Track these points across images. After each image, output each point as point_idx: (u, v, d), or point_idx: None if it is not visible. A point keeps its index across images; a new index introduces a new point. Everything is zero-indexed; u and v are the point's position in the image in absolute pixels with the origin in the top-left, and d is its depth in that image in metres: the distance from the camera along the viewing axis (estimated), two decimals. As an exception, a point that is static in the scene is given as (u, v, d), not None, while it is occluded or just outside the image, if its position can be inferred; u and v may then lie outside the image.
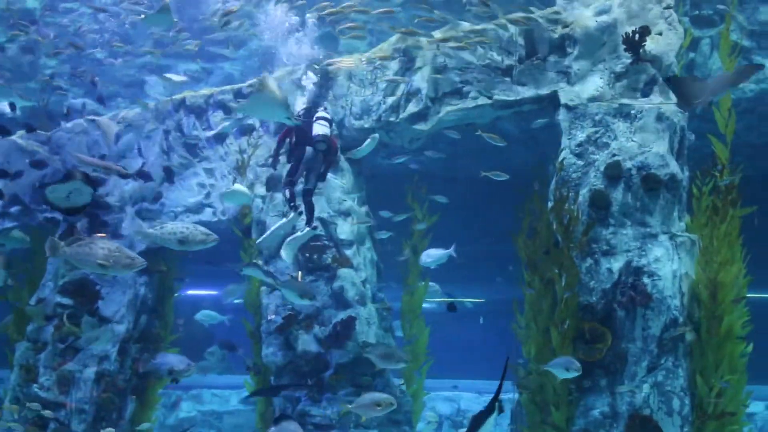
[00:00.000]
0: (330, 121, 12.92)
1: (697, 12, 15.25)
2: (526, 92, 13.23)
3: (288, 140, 12.97)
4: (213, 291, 24.01)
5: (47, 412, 13.38)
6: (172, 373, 10.88)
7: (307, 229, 12.95)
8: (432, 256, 13.62)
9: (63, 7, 18.49)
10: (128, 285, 14.25)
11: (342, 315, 13.31)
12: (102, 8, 17.27)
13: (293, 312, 13.39)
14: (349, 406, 10.80)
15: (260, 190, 14.08)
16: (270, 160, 13.49)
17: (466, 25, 13.69)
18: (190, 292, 18.81)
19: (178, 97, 15.17)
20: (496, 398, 7.75)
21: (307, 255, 13.52)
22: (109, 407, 13.91)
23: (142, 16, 13.03)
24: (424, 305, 15.43)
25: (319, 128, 12.71)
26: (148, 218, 14.51)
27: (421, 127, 13.68)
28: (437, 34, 13.59)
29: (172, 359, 11.03)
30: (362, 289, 13.59)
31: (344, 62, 14.10)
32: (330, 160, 12.98)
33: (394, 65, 13.91)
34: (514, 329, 12.85)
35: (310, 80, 14.08)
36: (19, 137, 14.99)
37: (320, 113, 12.94)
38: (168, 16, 12.20)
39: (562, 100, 12.81)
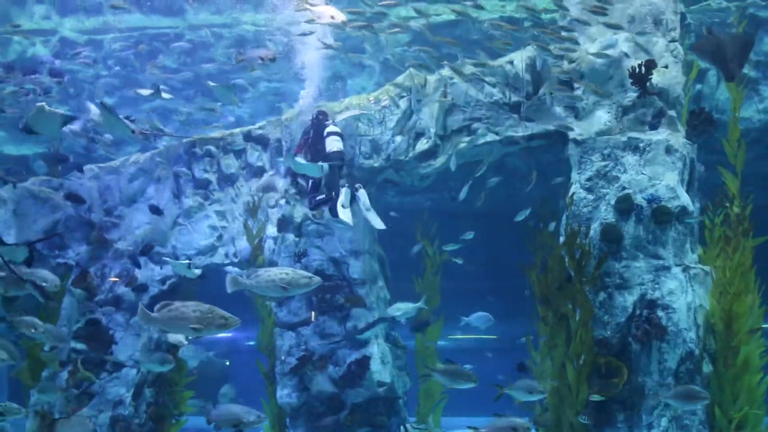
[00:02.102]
0: (341, 135, 13.03)
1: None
2: (535, 128, 13.28)
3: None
4: (228, 333, 23.96)
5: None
6: (239, 425, 10.31)
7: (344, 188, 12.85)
8: (400, 309, 13.40)
9: (72, 53, 18.69)
10: (142, 329, 14.26)
11: (356, 354, 13.29)
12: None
13: (307, 353, 13.37)
14: (482, 430, 10.39)
15: (272, 231, 14.11)
16: (282, 200, 13.62)
17: (471, 63, 13.78)
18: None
19: (188, 140, 15.26)
20: None
21: (320, 295, 13.51)
22: (125, 452, 13.88)
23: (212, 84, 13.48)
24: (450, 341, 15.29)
25: (333, 144, 12.85)
26: (161, 262, 14.57)
27: (431, 164, 13.73)
28: (445, 72, 13.67)
29: (238, 410, 10.48)
30: (376, 328, 13.57)
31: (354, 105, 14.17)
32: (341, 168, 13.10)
33: (403, 104, 13.98)
34: (529, 365, 12.78)
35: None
36: (30, 183, 15.07)
37: (330, 128, 13.06)
38: (232, 92, 13.25)
39: (571, 135, 12.85)
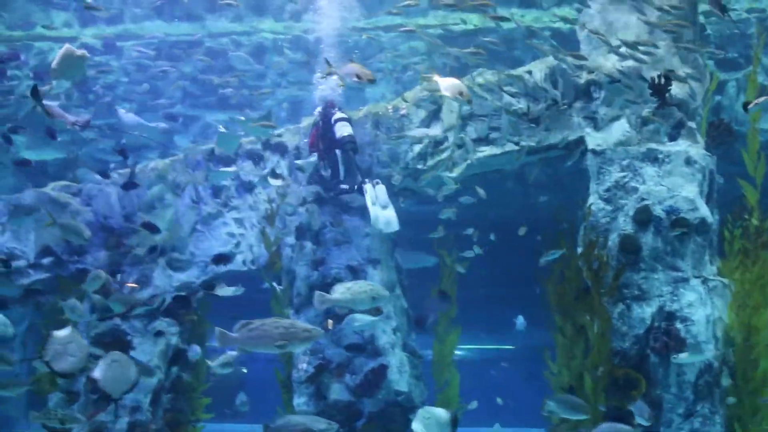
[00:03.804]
0: (349, 120, 13.21)
1: (722, 55, 15.29)
2: (553, 138, 13.28)
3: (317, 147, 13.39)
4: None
5: (80, 464, 13.37)
6: None
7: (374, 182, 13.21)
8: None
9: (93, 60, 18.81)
10: (160, 335, 14.31)
11: (373, 363, 13.29)
12: None
13: (324, 361, 13.39)
14: None
15: (289, 239, 14.14)
16: (300, 208, 13.77)
17: (490, 73, 13.80)
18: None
19: (206, 147, 15.33)
20: None
21: (337, 303, 13.53)
22: (142, 458, 13.91)
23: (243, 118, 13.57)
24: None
25: (343, 129, 13.07)
26: (179, 268, 14.63)
27: (449, 174, 13.73)
28: (465, 81, 13.67)
29: (306, 420, 9.93)
30: (393, 337, 13.58)
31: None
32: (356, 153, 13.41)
33: (421, 113, 14.01)
34: (546, 376, 12.77)
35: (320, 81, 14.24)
36: (51, 189, 15.15)
37: (337, 115, 13.24)
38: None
39: (590, 146, 12.82)
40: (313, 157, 13.73)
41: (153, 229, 14.06)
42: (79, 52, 9.88)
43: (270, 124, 13.75)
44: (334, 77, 12.86)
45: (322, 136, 13.50)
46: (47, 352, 9.20)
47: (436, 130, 13.85)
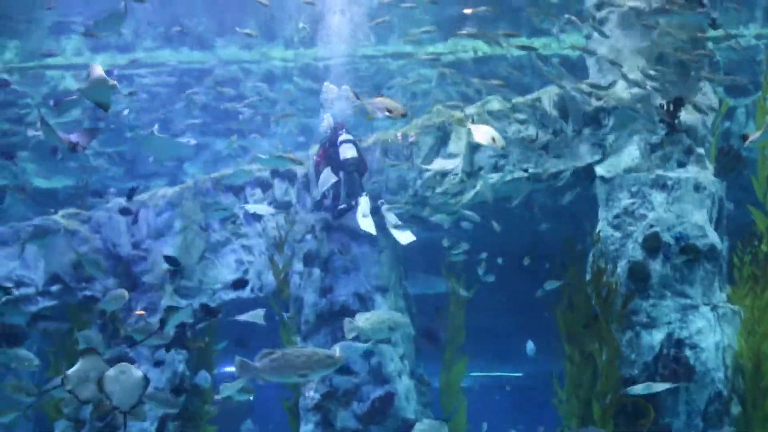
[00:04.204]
0: (354, 142, 13.24)
1: (731, 81, 15.24)
2: (562, 165, 13.23)
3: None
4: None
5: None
6: None
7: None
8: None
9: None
10: (167, 363, 14.28)
11: (380, 391, 13.21)
12: None
13: (331, 388, 13.32)
14: None
15: (298, 266, 14.11)
16: (308, 235, 13.74)
17: (499, 100, 13.80)
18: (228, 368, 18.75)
19: (216, 175, 15.36)
20: None
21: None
22: (148, 486, 13.84)
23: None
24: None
25: (346, 152, 13.12)
26: (187, 295, 14.61)
27: (458, 201, 13.70)
28: (472, 109, 13.70)
29: None
30: (400, 365, 13.51)
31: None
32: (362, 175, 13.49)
33: (429, 140, 14.01)
34: (554, 403, 12.66)
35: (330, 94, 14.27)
36: (60, 216, 15.20)
37: (342, 137, 13.30)
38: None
39: (598, 172, 12.78)
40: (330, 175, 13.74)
41: (174, 263, 14.08)
42: (112, 81, 9.91)
43: (296, 159, 13.68)
44: (343, 89, 12.99)
45: (329, 157, 13.54)
46: (70, 380, 9.05)
47: (452, 162, 13.83)
